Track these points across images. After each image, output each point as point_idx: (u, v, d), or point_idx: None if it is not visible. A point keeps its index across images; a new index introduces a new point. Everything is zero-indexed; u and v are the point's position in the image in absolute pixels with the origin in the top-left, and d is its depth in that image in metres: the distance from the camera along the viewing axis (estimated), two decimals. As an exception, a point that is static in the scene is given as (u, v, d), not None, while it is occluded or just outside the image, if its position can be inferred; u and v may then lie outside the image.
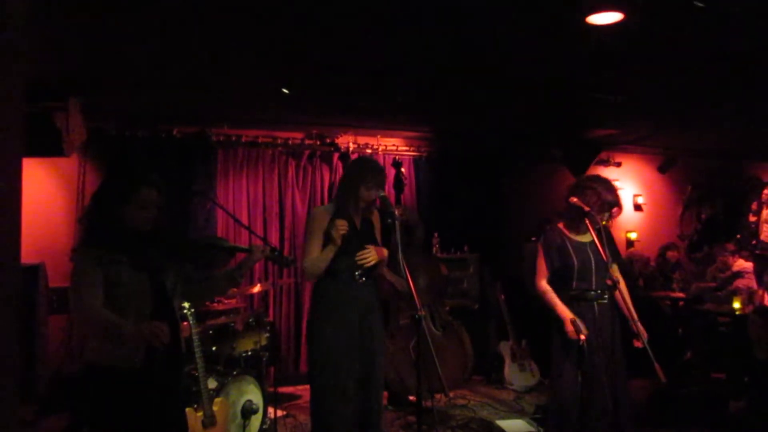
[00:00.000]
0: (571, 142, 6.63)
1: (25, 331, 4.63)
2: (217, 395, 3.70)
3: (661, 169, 7.82)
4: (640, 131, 6.70)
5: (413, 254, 5.07)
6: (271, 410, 4.36)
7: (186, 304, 3.44)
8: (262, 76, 4.44)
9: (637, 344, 3.35)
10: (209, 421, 3.50)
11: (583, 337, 3.24)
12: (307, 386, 5.78)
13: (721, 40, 3.66)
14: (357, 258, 3.21)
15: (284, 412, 4.96)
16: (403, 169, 6.28)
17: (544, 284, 3.49)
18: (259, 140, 6.01)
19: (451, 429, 4.69)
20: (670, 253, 6.96)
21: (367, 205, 3.31)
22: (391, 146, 6.52)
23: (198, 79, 4.53)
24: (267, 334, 4.55)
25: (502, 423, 4.75)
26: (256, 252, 2.79)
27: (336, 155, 6.26)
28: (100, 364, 2.42)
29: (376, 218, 3.45)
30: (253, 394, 4.06)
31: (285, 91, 4.31)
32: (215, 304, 4.84)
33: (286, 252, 5.98)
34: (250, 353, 4.41)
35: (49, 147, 4.34)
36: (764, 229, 7.31)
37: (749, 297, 5.78)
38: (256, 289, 4.94)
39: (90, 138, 4.91)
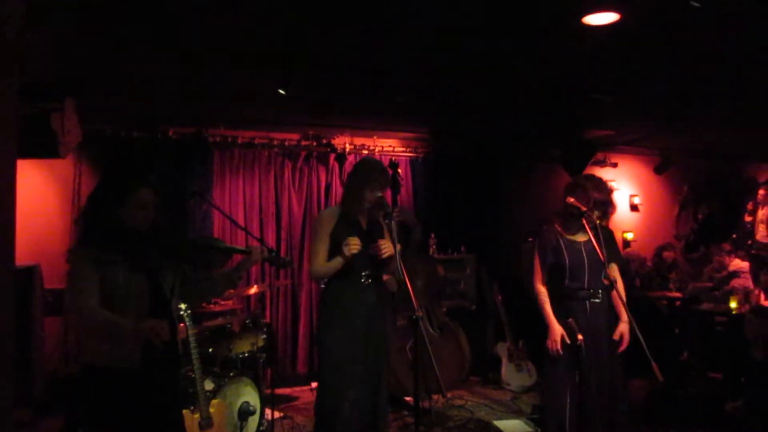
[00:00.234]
0: (568, 142, 6.64)
1: (21, 333, 4.61)
2: (214, 397, 3.69)
3: (658, 170, 7.84)
4: (637, 132, 6.71)
5: (410, 255, 5.07)
6: (268, 412, 4.35)
7: (183, 306, 3.43)
8: (259, 77, 4.43)
9: (615, 337, 3.34)
10: (206, 423, 3.49)
11: (580, 337, 3.26)
12: (304, 387, 5.83)
13: (717, 41, 3.67)
14: (373, 249, 3.17)
15: (281, 414, 4.95)
16: (399, 170, 6.29)
17: (539, 285, 3.52)
18: (256, 141, 6.00)
19: (449, 430, 4.69)
20: (666, 254, 6.97)
21: (373, 207, 3.30)
22: (388, 147, 6.52)
23: (194, 80, 4.52)
24: (264, 336, 4.54)
25: (499, 423, 4.75)
26: (254, 254, 2.77)
27: (332, 156, 6.26)
28: (97, 365, 2.41)
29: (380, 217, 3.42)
30: (250, 395, 4.05)
31: (281, 91, 4.30)
32: (212, 306, 4.83)
33: (282, 253, 5.97)
34: (246, 355, 4.40)
35: (44, 148, 4.32)
36: (760, 228, 7.34)
37: (746, 296, 5.79)
38: (253, 290, 4.93)
39: (86, 139, 4.89)
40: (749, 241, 7.27)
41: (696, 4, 2.89)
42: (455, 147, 6.70)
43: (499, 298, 6.10)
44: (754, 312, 5.24)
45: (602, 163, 7.53)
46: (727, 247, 6.72)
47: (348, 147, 6.26)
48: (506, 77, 4.56)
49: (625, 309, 3.34)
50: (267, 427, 4.29)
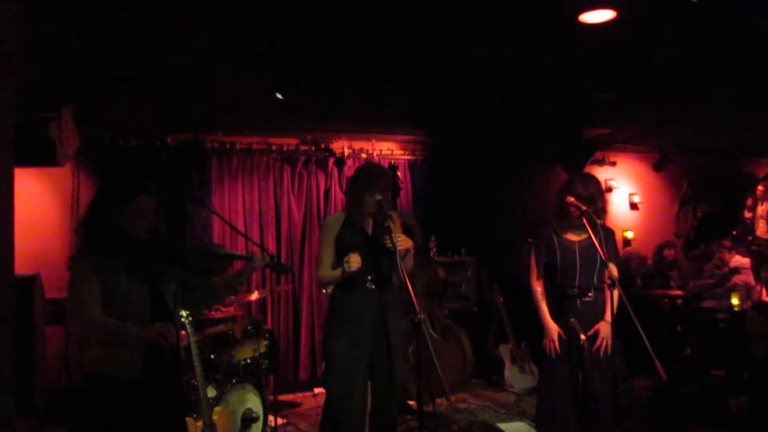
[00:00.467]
0: (567, 142, 6.63)
1: (22, 343, 4.59)
2: (217, 404, 3.68)
3: (657, 168, 7.83)
4: (636, 130, 6.71)
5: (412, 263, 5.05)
6: (271, 418, 4.34)
7: (184, 313, 3.42)
8: (256, 82, 4.43)
9: (582, 337, 3.32)
10: (209, 430, 3.47)
11: (583, 336, 3.27)
12: (307, 393, 5.81)
13: (714, 37, 3.66)
14: (388, 240, 3.12)
15: (284, 420, 4.94)
16: (399, 173, 6.29)
17: (534, 283, 3.56)
18: (254, 147, 6.00)
19: (453, 432, 4.68)
20: (666, 252, 6.97)
21: (375, 210, 3.29)
22: (387, 150, 6.52)
23: (191, 86, 4.51)
24: (266, 342, 4.52)
25: (503, 426, 4.74)
26: (255, 260, 2.77)
27: (331, 160, 6.26)
28: (99, 374, 2.40)
29: (395, 223, 3.38)
30: (252, 402, 4.03)
31: (279, 96, 4.30)
32: (213, 312, 4.82)
33: (283, 259, 5.96)
34: (249, 361, 4.39)
35: (42, 156, 4.31)
36: (760, 224, 7.34)
37: (747, 293, 5.79)
38: (254, 296, 4.92)
39: (84, 147, 4.89)
40: (749, 237, 7.28)
41: (693, 0, 2.89)
42: (454, 149, 6.69)
43: (501, 299, 6.09)
44: (756, 308, 5.24)
45: (601, 162, 7.52)
46: (727, 243, 6.72)
47: (347, 151, 6.25)
48: (503, 77, 4.55)
49: (612, 310, 3.36)
50: (270, 433, 4.28)
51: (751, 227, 7.46)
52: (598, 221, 3.34)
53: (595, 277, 3.42)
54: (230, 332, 4.39)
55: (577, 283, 3.43)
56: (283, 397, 5.44)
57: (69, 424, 4.37)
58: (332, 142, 6.23)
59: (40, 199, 5.35)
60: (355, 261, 3.15)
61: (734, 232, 7.20)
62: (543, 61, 4.16)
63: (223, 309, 4.92)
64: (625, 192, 7.77)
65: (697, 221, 8.10)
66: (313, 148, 6.19)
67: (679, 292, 6.49)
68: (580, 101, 5.20)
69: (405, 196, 6.54)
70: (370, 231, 3.34)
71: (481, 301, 6.34)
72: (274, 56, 3.89)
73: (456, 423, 4.87)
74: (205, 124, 5.69)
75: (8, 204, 1.23)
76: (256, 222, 6.00)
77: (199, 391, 3.47)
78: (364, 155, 6.33)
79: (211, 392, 3.75)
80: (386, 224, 3.15)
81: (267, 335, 4.58)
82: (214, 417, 3.54)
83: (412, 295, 3.00)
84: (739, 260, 6.47)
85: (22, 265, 4.84)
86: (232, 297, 4.44)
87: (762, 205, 7.42)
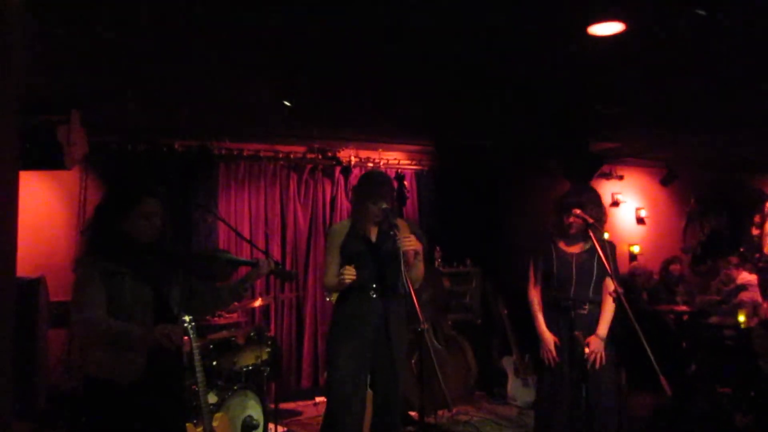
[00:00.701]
0: (574, 155, 6.62)
1: (25, 346, 4.59)
2: (218, 410, 3.67)
3: (664, 182, 7.80)
4: (643, 143, 6.69)
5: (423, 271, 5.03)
6: (271, 426, 4.32)
7: (187, 318, 3.41)
8: (264, 90, 4.44)
9: (586, 351, 3.36)
10: (209, 436, 3.46)
11: (587, 350, 3.27)
12: (308, 402, 5.78)
13: (723, 50, 3.66)
14: (400, 241, 3.10)
15: (285, 429, 4.91)
16: (405, 183, 6.29)
17: (531, 294, 3.65)
18: (261, 154, 6.01)
19: (455, 445, 4.64)
20: (673, 267, 6.91)
21: (380, 219, 3.29)
22: (393, 160, 6.52)
23: (199, 93, 4.54)
24: (268, 349, 4.51)
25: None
26: (261, 266, 2.77)
27: (338, 169, 6.27)
28: (101, 378, 2.40)
29: (403, 227, 3.35)
30: (253, 409, 4.02)
31: (287, 103, 4.31)
32: (216, 318, 4.81)
33: (288, 266, 5.96)
34: (251, 368, 4.37)
35: (50, 160, 4.33)
36: (767, 241, 7.30)
37: (754, 310, 5.74)
38: (258, 303, 4.91)
39: (92, 151, 4.91)
40: (757, 254, 7.23)
41: (701, 13, 2.88)
42: (461, 160, 6.69)
43: (505, 311, 6.06)
44: (763, 325, 5.19)
45: (608, 176, 7.51)
46: (734, 260, 6.66)
47: (353, 160, 6.26)
48: (511, 89, 4.55)
49: (605, 325, 3.40)
50: (271, 441, 4.26)
51: (758, 244, 7.42)
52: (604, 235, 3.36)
53: (591, 290, 3.44)
54: (233, 338, 4.38)
55: (572, 295, 3.47)
56: (284, 405, 5.42)
57: (70, 428, 4.37)
58: (339, 151, 6.24)
59: (47, 203, 5.38)
60: (349, 274, 3.14)
61: (741, 249, 7.15)
62: (551, 73, 4.16)
63: (227, 315, 4.92)
64: (632, 206, 7.74)
65: (704, 237, 8.05)
66: (320, 157, 6.20)
67: (685, 308, 6.44)
68: (587, 114, 5.20)
69: (411, 206, 6.54)
70: (374, 239, 3.34)
71: (485, 313, 6.31)
72: (282, 65, 3.91)
73: (458, 435, 4.84)
74: (212, 131, 5.71)
75: (12, 206, 1.23)
76: (262, 229, 6.00)
77: (200, 397, 3.46)
78: (370, 164, 6.34)
79: (212, 398, 3.74)
80: (392, 232, 3.13)
81: (270, 342, 4.56)
82: (215, 423, 3.52)
83: (416, 304, 2.99)
84: (746, 277, 6.41)
85: (28, 268, 4.86)
86: (236, 303, 4.43)
87: (770, 222, 7.39)
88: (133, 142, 5.50)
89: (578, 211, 3.39)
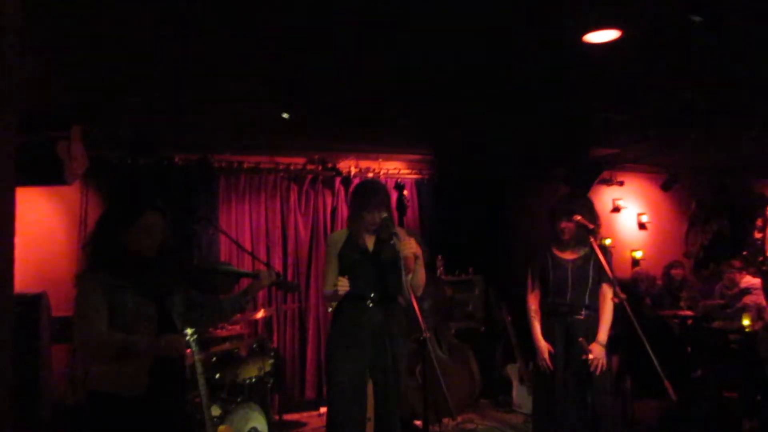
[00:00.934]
0: (574, 161, 6.63)
1: (28, 361, 4.58)
2: (221, 423, 3.66)
3: (665, 187, 7.80)
4: (642, 150, 6.69)
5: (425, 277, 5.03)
6: (276, 438, 4.30)
7: (189, 331, 3.41)
8: (263, 102, 4.46)
9: (590, 357, 3.39)
10: (213, 449, 3.44)
11: (591, 357, 3.27)
12: (313, 413, 5.76)
13: (719, 57, 3.67)
14: (399, 245, 3.11)
15: (290, 440, 4.89)
16: (405, 192, 6.29)
17: (529, 301, 3.72)
18: (261, 166, 6.03)
19: (460, 454, 4.62)
20: (674, 271, 6.89)
21: (377, 227, 3.29)
22: (393, 169, 6.53)
23: (199, 106, 4.55)
24: (271, 361, 4.50)
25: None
26: (262, 278, 2.79)
27: (338, 179, 6.28)
28: (103, 392, 2.39)
29: (402, 234, 3.34)
30: (257, 421, 4.00)
31: (285, 115, 4.33)
32: (219, 331, 4.80)
33: (289, 277, 5.96)
34: (254, 380, 4.36)
35: (51, 175, 4.34)
36: (770, 245, 7.28)
37: (758, 313, 5.72)
38: (260, 314, 4.90)
39: (92, 166, 4.92)
40: (760, 258, 7.21)
41: (696, 19, 2.89)
42: (461, 168, 6.69)
43: (509, 318, 6.03)
44: (767, 329, 5.17)
45: (609, 182, 7.50)
46: (737, 263, 6.64)
47: (353, 170, 6.27)
48: (509, 97, 4.57)
49: (605, 331, 3.45)
50: (275, 453, 4.24)
51: (761, 248, 7.41)
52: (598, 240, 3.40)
53: (587, 296, 3.47)
54: (235, 350, 4.37)
55: (568, 301, 3.51)
56: (288, 417, 5.40)
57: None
58: (339, 162, 6.25)
59: (48, 218, 5.38)
60: (342, 285, 3.15)
61: (744, 253, 7.13)
62: (550, 81, 4.17)
63: (229, 327, 4.91)
64: (634, 212, 7.73)
65: (706, 241, 8.04)
66: (320, 168, 6.22)
67: (689, 313, 6.42)
68: (586, 121, 5.21)
69: (412, 215, 6.53)
70: (371, 248, 3.34)
71: (488, 321, 6.29)
72: (281, 77, 3.93)
73: (463, 444, 4.81)
74: (213, 144, 5.73)
75: (9, 223, 1.22)
76: (263, 241, 6.00)
77: (204, 410, 3.45)
78: (370, 174, 6.35)
79: (216, 411, 3.73)
80: (392, 241, 3.13)
81: (272, 354, 4.56)
82: (219, 436, 3.51)
83: (418, 313, 2.98)
84: (750, 281, 6.39)
85: (29, 283, 4.86)
86: (238, 315, 4.43)
87: (772, 225, 7.38)
88: (133, 156, 5.52)
89: (579, 217, 3.42)
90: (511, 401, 5.83)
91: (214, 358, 4.29)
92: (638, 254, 7.58)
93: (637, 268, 7.30)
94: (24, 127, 4.03)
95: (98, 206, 5.37)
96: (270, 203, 6.08)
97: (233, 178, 5.96)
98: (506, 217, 6.80)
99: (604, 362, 3.39)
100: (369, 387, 3.35)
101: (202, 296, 2.76)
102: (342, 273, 3.26)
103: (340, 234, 3.43)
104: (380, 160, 6.45)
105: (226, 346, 4.52)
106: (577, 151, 6.42)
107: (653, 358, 3.00)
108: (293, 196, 6.16)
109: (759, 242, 7.54)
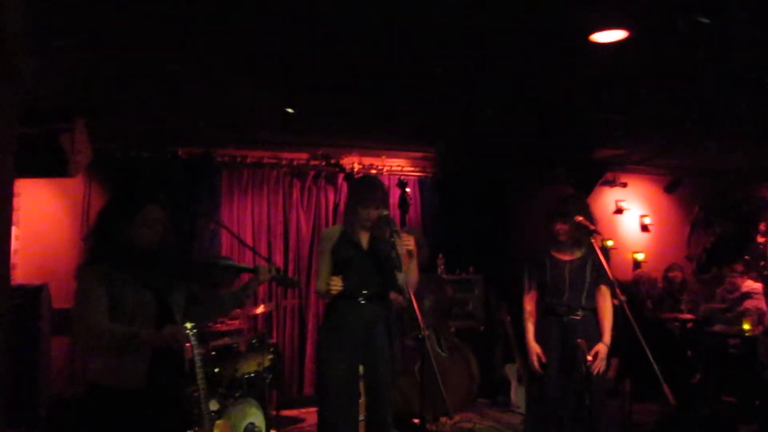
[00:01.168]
0: (577, 162, 6.62)
1: (27, 353, 4.59)
2: (219, 418, 3.66)
3: (668, 190, 7.78)
4: (646, 151, 6.68)
5: (418, 275, 5.03)
6: (273, 433, 4.31)
7: (188, 325, 3.41)
8: (267, 97, 4.46)
9: (589, 359, 3.36)
10: (211, 444, 3.45)
11: (590, 358, 3.28)
12: (311, 409, 5.75)
13: (727, 58, 3.65)
14: (399, 243, 3.12)
15: (287, 436, 4.90)
16: (408, 190, 6.28)
17: (525, 302, 3.73)
18: (264, 161, 6.02)
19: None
20: (672, 274, 6.88)
21: (372, 224, 3.29)
22: (396, 167, 6.52)
23: (203, 100, 4.55)
24: (270, 356, 4.50)
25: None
26: (262, 273, 2.78)
27: (341, 176, 6.26)
28: (102, 384, 2.40)
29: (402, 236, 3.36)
30: (255, 416, 4.01)
31: (289, 110, 4.32)
32: (218, 325, 4.81)
33: (290, 273, 5.96)
34: (252, 375, 4.36)
35: (54, 167, 4.36)
36: (772, 250, 7.26)
37: (759, 318, 5.71)
38: (260, 310, 4.91)
39: (96, 159, 4.93)
40: (762, 262, 7.19)
41: (705, 20, 2.88)
42: (464, 167, 6.68)
43: (508, 318, 6.03)
44: (767, 334, 5.16)
45: (612, 183, 7.48)
46: (739, 268, 6.63)
47: (356, 167, 6.26)
48: (514, 97, 4.56)
49: (609, 332, 3.48)
50: (273, 448, 4.24)
51: (763, 252, 7.38)
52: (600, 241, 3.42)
53: (584, 297, 3.48)
54: (235, 345, 4.38)
55: (565, 302, 3.53)
56: (286, 412, 5.40)
57: (72, 435, 4.37)
58: (342, 158, 6.24)
59: (51, 210, 5.39)
60: (335, 285, 3.13)
61: (746, 257, 7.11)
62: (555, 81, 4.16)
63: (228, 322, 4.91)
64: (636, 214, 7.71)
65: (709, 244, 8.02)
66: (323, 164, 6.21)
67: (689, 316, 6.41)
68: (591, 122, 5.20)
69: (414, 213, 6.53)
70: (365, 245, 3.32)
71: (488, 320, 6.29)
72: (285, 72, 3.92)
73: (461, 443, 4.82)
74: (216, 138, 5.73)
75: (6, 215, 1.23)
76: (265, 236, 6.00)
77: (201, 404, 3.45)
78: (374, 171, 6.34)
79: (214, 406, 3.73)
80: (392, 239, 3.13)
81: (272, 349, 4.56)
82: (216, 431, 3.51)
83: (417, 310, 2.99)
84: (751, 285, 6.38)
85: (31, 275, 4.87)
86: (238, 310, 4.43)
87: (775, 230, 7.35)
88: (137, 149, 5.52)
89: (580, 218, 3.43)
90: (509, 401, 5.83)
91: (213, 353, 4.29)
92: (640, 256, 7.57)
93: (638, 270, 7.29)
94: (28, 120, 4.04)
95: (101, 199, 5.37)
96: (272, 198, 6.08)
97: (236, 172, 5.96)
98: (507, 217, 6.79)
99: (604, 364, 3.40)
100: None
101: (202, 290, 2.76)
102: (335, 269, 3.25)
103: (334, 230, 3.41)
104: (384, 156, 6.44)
105: (226, 340, 4.52)
106: (580, 151, 6.41)
107: (652, 361, 3.00)
108: (296, 192, 6.16)
109: (761, 246, 7.51)
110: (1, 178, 1.11)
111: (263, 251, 5.87)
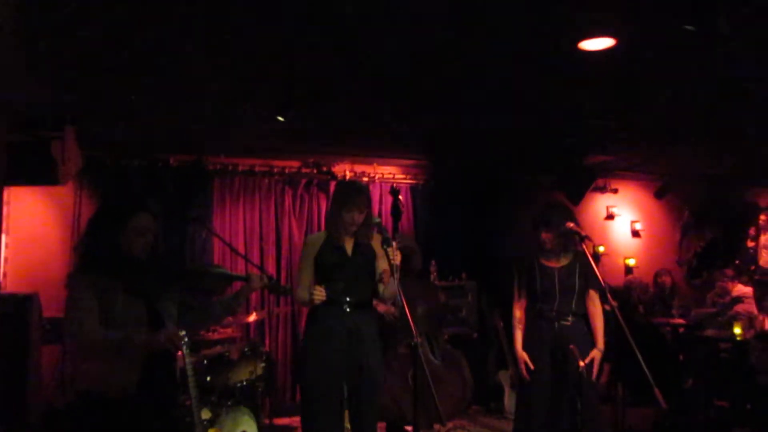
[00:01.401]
0: (567, 169, 6.64)
1: (17, 362, 4.56)
2: (211, 426, 3.64)
3: (658, 195, 7.83)
4: (636, 157, 6.72)
5: (410, 282, 5.03)
6: (266, 442, 4.28)
7: (180, 333, 3.40)
8: (258, 104, 4.45)
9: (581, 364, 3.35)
10: (203, 453, 3.43)
11: (582, 363, 3.29)
12: (304, 417, 5.73)
13: (715, 65, 3.69)
14: (392, 252, 3.06)
15: (280, 444, 4.88)
16: (400, 197, 6.28)
17: (515, 310, 3.74)
18: (256, 169, 6.02)
19: (451, 460, 4.61)
20: (661, 279, 6.92)
21: (357, 229, 3.25)
22: (388, 174, 6.53)
23: (194, 108, 4.55)
24: (263, 364, 4.48)
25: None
26: (253, 281, 2.78)
27: (333, 183, 6.26)
28: (93, 392, 2.39)
29: (376, 242, 3.32)
30: (247, 425, 3.99)
31: (280, 118, 4.32)
32: (210, 333, 4.78)
33: (282, 281, 5.95)
34: (245, 383, 4.33)
35: (44, 175, 4.33)
36: (763, 254, 7.32)
37: (749, 322, 5.74)
38: (252, 317, 4.89)
39: (86, 167, 4.91)
40: (752, 267, 7.24)
41: (689, 28, 2.91)
42: (456, 174, 6.71)
43: (501, 325, 6.03)
44: (759, 338, 5.19)
45: (602, 189, 7.52)
46: (729, 272, 6.67)
47: (348, 174, 6.27)
48: (504, 105, 4.58)
49: (602, 338, 3.52)
50: (265, 457, 4.22)
51: (753, 257, 7.44)
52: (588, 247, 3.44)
53: (574, 303, 3.51)
54: (227, 354, 4.36)
55: (555, 308, 3.55)
56: (278, 421, 5.37)
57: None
58: (334, 166, 6.25)
59: (41, 218, 5.35)
60: (319, 295, 3.08)
61: (737, 261, 7.16)
62: (543, 88, 4.18)
63: (221, 330, 4.89)
64: (627, 219, 7.75)
65: (700, 249, 8.06)
66: (315, 171, 6.21)
67: (681, 321, 6.44)
68: (580, 128, 5.22)
69: (406, 220, 6.54)
70: (349, 251, 3.27)
71: (481, 327, 6.29)
72: (276, 80, 3.93)
73: (454, 450, 4.80)
74: (207, 146, 5.72)
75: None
76: (257, 243, 5.99)
77: (194, 413, 3.43)
78: (366, 179, 6.35)
79: (206, 414, 3.71)
80: (385, 247, 3.11)
81: (264, 357, 4.54)
82: (208, 440, 3.50)
83: (409, 317, 2.98)
84: (742, 289, 6.41)
85: (21, 284, 4.84)
86: (230, 318, 4.42)
87: (765, 234, 7.40)
88: (127, 157, 5.51)
89: (572, 225, 3.46)
90: (502, 408, 5.82)
91: (205, 361, 4.27)
92: (631, 262, 7.61)
93: (629, 276, 7.32)
94: (18, 127, 4.02)
95: (91, 207, 5.35)
96: (264, 206, 6.08)
97: (228, 180, 5.96)
98: (500, 223, 6.80)
99: (597, 369, 3.43)
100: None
101: (193, 298, 2.75)
102: (320, 275, 3.21)
103: (319, 236, 3.37)
104: (375, 164, 6.45)
105: (218, 349, 4.50)
106: (570, 158, 6.44)
107: (644, 366, 3.00)
108: (288, 200, 6.15)
109: (751, 251, 7.57)
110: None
111: (255, 259, 5.87)
